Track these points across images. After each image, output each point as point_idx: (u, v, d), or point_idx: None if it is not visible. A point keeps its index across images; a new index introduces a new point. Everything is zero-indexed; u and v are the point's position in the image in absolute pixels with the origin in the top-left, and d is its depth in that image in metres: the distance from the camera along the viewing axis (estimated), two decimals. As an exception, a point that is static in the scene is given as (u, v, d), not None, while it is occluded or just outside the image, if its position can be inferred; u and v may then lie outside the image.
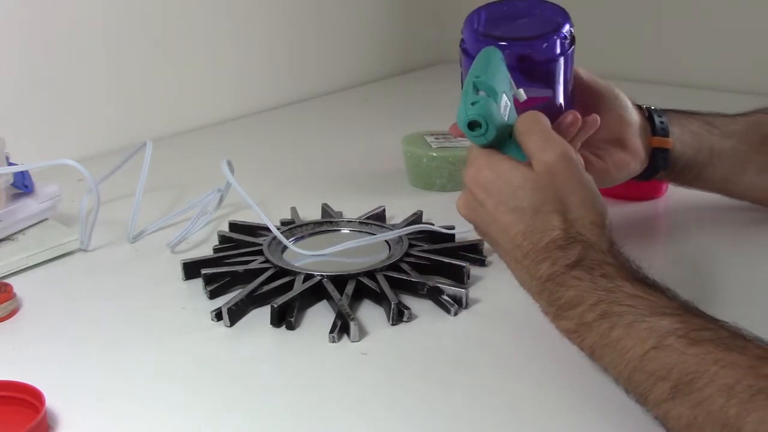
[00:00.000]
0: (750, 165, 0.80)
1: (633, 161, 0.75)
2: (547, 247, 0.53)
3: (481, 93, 0.56)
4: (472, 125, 0.55)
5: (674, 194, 0.91)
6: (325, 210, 0.87)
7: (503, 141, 0.57)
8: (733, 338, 0.46)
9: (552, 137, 0.57)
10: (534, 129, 0.57)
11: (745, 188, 0.82)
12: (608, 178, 0.74)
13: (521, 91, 0.62)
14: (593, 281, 0.51)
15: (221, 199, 0.87)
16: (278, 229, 0.80)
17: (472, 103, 0.55)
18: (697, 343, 0.45)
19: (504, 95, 0.58)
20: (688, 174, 0.80)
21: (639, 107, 0.78)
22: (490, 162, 0.57)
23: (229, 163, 0.82)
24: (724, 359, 0.44)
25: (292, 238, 0.79)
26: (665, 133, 0.77)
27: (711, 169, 0.80)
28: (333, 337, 0.64)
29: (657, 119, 0.77)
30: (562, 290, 0.52)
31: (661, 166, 0.78)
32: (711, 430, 0.43)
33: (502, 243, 0.57)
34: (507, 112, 0.58)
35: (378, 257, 0.74)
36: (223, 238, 0.81)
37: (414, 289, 0.70)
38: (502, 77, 0.59)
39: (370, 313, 0.68)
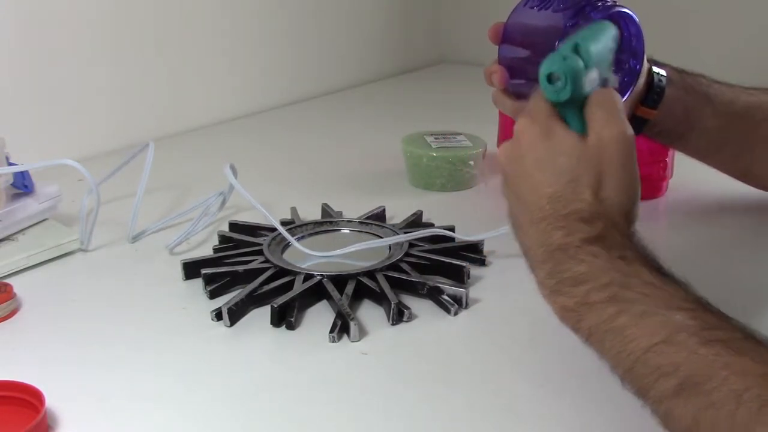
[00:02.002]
0: (727, 147, 0.81)
1: None
2: (568, 216, 0.51)
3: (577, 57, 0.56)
4: (552, 78, 0.55)
5: (674, 194, 0.91)
6: (325, 210, 0.87)
7: (569, 109, 0.56)
8: (746, 341, 0.44)
9: (618, 117, 0.54)
10: (606, 104, 0.55)
11: (716, 164, 0.84)
12: None
13: (614, 77, 0.62)
14: (610, 261, 0.49)
15: (224, 202, 0.86)
16: (278, 229, 0.80)
17: (564, 57, 0.55)
18: (709, 344, 0.44)
19: (597, 70, 0.57)
20: (662, 138, 0.80)
21: (651, 66, 0.76)
22: (548, 120, 0.55)
23: (233, 167, 0.82)
24: (735, 364, 0.42)
25: (293, 238, 0.79)
26: (654, 103, 0.76)
27: (685, 142, 0.81)
28: (333, 337, 0.64)
29: (656, 87, 0.76)
30: (571, 263, 0.50)
31: (635, 131, 0.77)
32: None
33: (525, 200, 0.54)
34: (590, 86, 0.57)
35: (378, 257, 0.74)
36: (223, 238, 0.81)
37: (414, 289, 0.70)
38: (605, 54, 0.59)
39: (370, 313, 0.68)
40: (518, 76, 0.72)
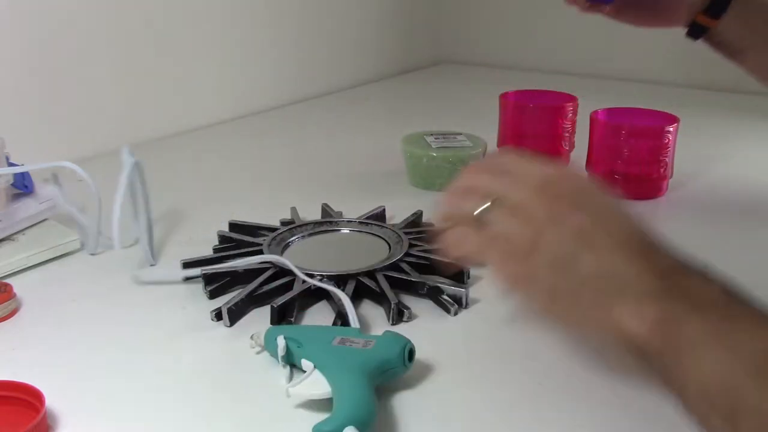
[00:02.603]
0: None
1: (663, 19, 0.83)
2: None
3: None
4: None
5: (674, 194, 0.91)
6: (325, 210, 0.87)
7: None
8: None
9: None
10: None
11: None
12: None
13: None
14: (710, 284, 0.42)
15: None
16: (278, 229, 0.80)
17: None
18: None
19: None
20: (721, 49, 0.82)
21: None
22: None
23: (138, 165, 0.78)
24: None
25: (293, 238, 0.79)
26: (715, 14, 0.79)
27: (743, 57, 0.82)
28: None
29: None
30: (680, 277, 0.43)
31: (693, 37, 0.82)
32: None
33: (608, 220, 0.45)
34: None
35: (378, 257, 0.74)
36: (223, 238, 0.81)
37: (414, 289, 0.70)
38: None
39: (370, 313, 0.68)
40: None
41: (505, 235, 0.45)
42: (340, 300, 0.66)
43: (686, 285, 0.42)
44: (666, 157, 0.92)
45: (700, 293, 0.41)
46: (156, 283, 0.73)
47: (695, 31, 0.81)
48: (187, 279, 0.73)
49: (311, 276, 0.70)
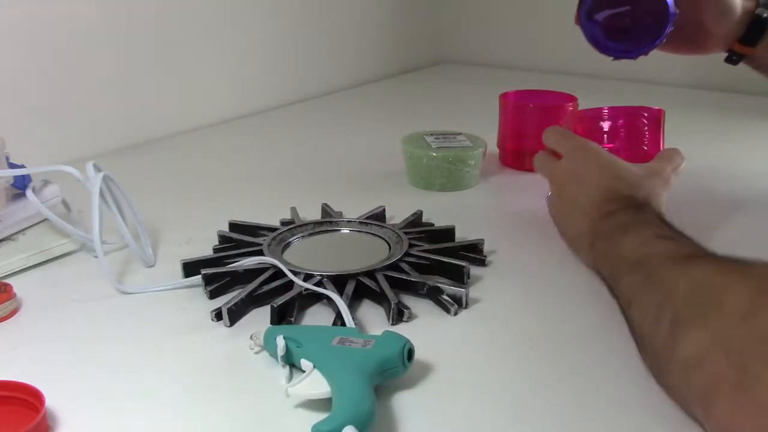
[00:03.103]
0: None
1: (700, 48, 0.87)
2: (621, 198, 0.72)
3: None
4: None
5: (672, 194, 0.91)
6: (325, 210, 0.87)
7: None
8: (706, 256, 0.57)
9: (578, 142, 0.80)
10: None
11: None
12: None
13: None
14: (641, 213, 0.69)
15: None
16: (278, 229, 0.80)
17: None
18: (664, 240, 0.62)
19: None
20: (761, 71, 0.87)
21: (756, 6, 0.83)
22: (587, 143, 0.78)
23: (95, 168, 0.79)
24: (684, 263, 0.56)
25: (293, 238, 0.79)
26: (751, 42, 0.83)
27: None
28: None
29: (755, 27, 0.82)
30: (611, 218, 0.69)
31: (733, 63, 0.87)
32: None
33: (581, 198, 0.74)
34: None
35: (378, 257, 0.74)
36: (223, 238, 0.81)
37: (414, 289, 0.70)
38: None
39: (370, 313, 0.68)
40: None
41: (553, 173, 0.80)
42: (340, 300, 0.66)
43: (611, 226, 0.68)
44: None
45: (618, 227, 0.67)
46: (140, 292, 0.73)
47: (733, 59, 0.86)
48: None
49: (311, 276, 0.70)
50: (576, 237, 0.74)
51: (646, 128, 0.87)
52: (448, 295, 0.69)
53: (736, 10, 0.82)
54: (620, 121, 0.87)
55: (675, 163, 0.78)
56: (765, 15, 0.82)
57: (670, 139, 0.87)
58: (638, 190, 0.72)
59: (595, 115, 0.88)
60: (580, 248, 0.73)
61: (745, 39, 0.84)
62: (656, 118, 0.87)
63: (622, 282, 0.61)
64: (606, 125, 0.87)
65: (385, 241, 0.78)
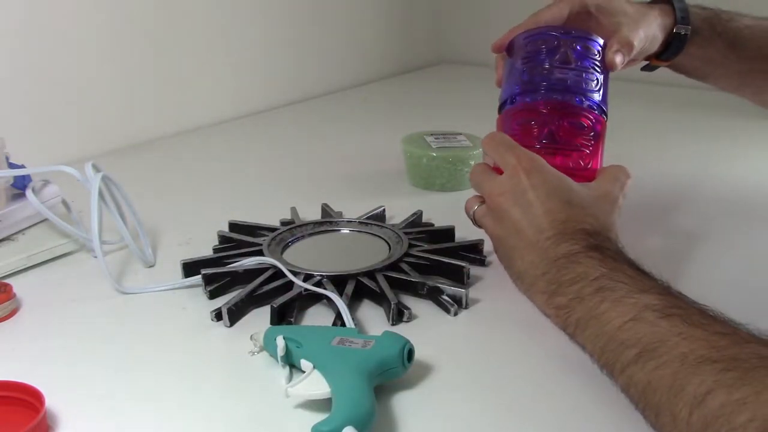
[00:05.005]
0: (748, 87, 0.86)
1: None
2: (576, 232, 0.60)
3: None
4: None
5: (671, 195, 0.91)
6: (325, 210, 0.87)
7: None
8: (702, 316, 0.49)
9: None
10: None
11: (739, 95, 0.89)
12: None
13: None
14: (602, 261, 0.56)
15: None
16: (278, 229, 0.80)
17: None
18: (669, 317, 0.49)
19: None
20: (684, 74, 0.85)
21: (674, 25, 0.80)
22: (534, 161, 0.65)
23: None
24: (687, 332, 0.48)
25: (293, 238, 0.79)
26: (669, 57, 0.81)
27: (705, 79, 0.86)
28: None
29: (673, 46, 0.80)
30: (572, 266, 0.57)
31: (648, 70, 0.86)
32: (661, 393, 0.47)
33: (524, 226, 0.62)
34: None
35: (378, 257, 0.74)
36: (222, 238, 0.81)
37: (414, 289, 0.70)
38: None
39: (370, 313, 0.68)
40: None
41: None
42: (340, 300, 0.66)
43: (573, 276, 0.57)
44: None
45: (585, 280, 0.56)
46: (139, 292, 0.73)
47: (649, 68, 0.85)
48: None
49: (311, 276, 0.70)
50: (522, 274, 0.62)
51: (591, 134, 0.72)
52: (448, 296, 0.69)
53: (658, 41, 0.79)
54: (561, 122, 0.73)
55: (621, 182, 0.67)
56: (683, 32, 0.79)
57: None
58: (592, 218, 0.62)
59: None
60: (529, 290, 0.62)
61: (664, 56, 0.81)
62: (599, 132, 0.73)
63: (626, 375, 0.50)
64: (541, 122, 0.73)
65: (385, 241, 0.78)
